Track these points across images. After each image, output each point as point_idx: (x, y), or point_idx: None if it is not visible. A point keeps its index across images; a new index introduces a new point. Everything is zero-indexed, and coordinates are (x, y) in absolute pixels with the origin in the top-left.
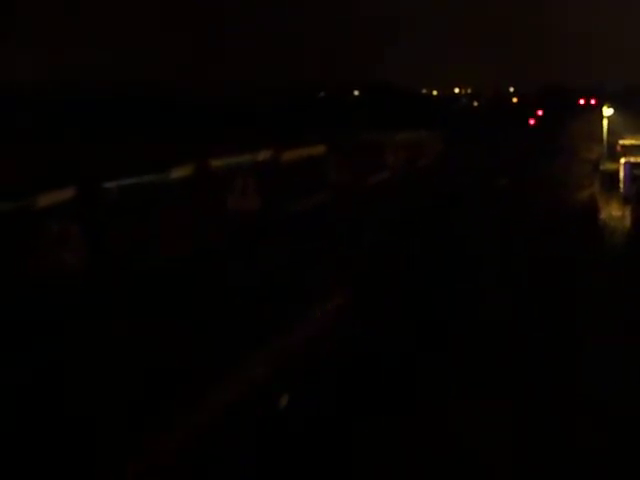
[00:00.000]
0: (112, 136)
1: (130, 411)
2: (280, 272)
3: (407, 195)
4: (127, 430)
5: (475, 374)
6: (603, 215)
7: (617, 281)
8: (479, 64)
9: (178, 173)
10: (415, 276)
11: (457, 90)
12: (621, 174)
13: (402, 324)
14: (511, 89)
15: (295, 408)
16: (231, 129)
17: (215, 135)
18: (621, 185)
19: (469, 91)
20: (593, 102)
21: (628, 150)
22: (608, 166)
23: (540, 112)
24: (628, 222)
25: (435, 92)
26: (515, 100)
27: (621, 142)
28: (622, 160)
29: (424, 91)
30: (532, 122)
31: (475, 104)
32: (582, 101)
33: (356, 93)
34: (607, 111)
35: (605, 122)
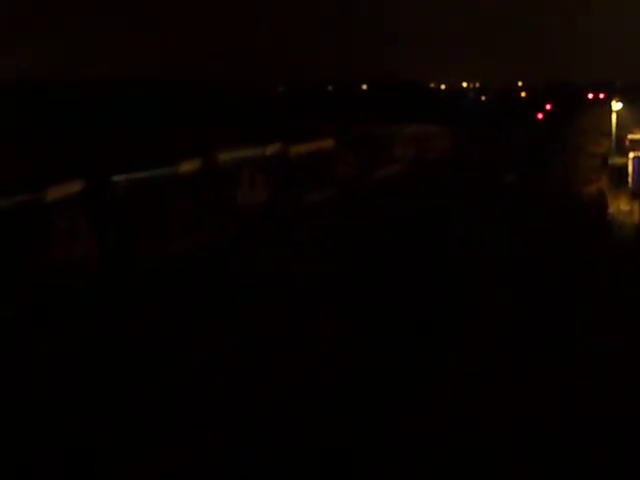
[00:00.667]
0: (118, 132)
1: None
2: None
3: (415, 190)
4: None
5: (475, 374)
6: (611, 209)
7: (627, 276)
8: (487, 58)
9: (186, 167)
10: (414, 275)
11: (465, 84)
12: (630, 168)
13: (402, 324)
14: (519, 83)
15: None
16: (239, 123)
17: (223, 129)
18: (630, 179)
19: (477, 85)
20: (602, 96)
21: (637, 144)
22: (617, 160)
23: (549, 106)
24: (637, 217)
25: (443, 86)
26: (523, 94)
27: (630, 136)
28: (631, 154)
29: (432, 85)
30: (540, 116)
31: (483, 98)
32: (591, 95)
33: (364, 87)
34: (616, 105)
35: (614, 116)
